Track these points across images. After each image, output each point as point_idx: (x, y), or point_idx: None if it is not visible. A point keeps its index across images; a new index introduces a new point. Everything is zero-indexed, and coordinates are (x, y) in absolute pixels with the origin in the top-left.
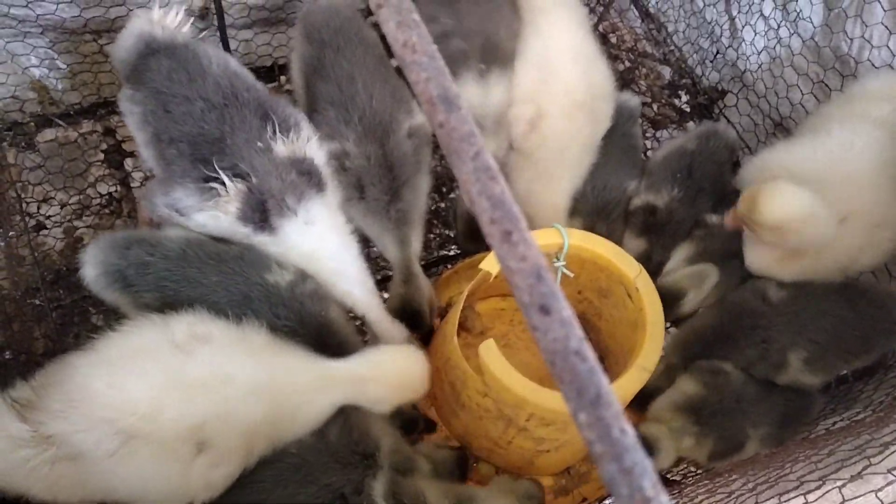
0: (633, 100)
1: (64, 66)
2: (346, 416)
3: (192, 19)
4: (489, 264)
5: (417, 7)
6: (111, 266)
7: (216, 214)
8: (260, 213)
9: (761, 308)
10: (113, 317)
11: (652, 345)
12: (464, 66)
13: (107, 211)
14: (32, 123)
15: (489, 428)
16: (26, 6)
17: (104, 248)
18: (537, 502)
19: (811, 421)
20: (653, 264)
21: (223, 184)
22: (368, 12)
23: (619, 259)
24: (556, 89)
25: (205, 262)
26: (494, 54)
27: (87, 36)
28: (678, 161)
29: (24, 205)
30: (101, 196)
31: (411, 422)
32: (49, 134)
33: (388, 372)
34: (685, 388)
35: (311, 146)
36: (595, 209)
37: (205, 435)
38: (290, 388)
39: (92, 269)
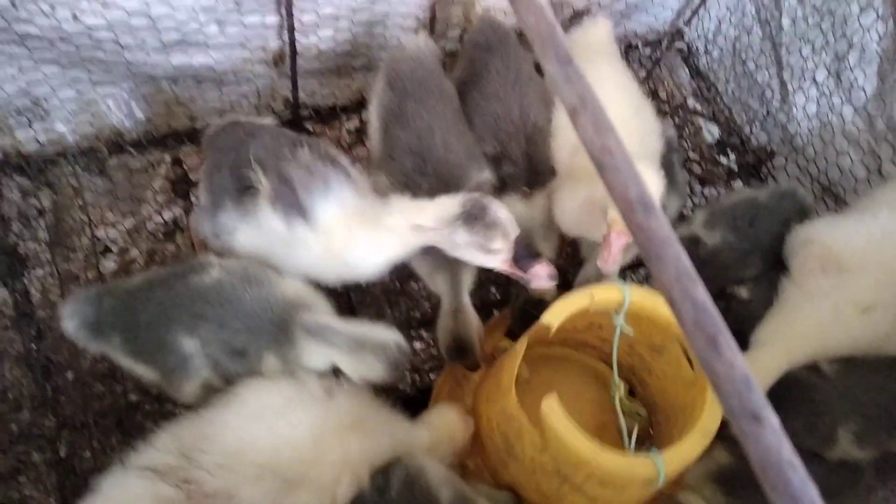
0: (669, 130)
1: (139, 114)
2: (407, 470)
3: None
4: (551, 317)
5: (472, 130)
6: (85, 316)
7: (255, 219)
8: (291, 195)
9: (811, 380)
10: None
11: (714, 407)
12: (512, 187)
13: (163, 236)
14: (107, 150)
15: (542, 482)
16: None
17: (79, 302)
18: None
19: (857, 496)
20: None
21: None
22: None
23: None
24: None
25: (140, 289)
26: (537, 176)
27: (163, 83)
28: (745, 209)
29: (92, 228)
30: (166, 224)
31: None
32: (120, 160)
33: (441, 431)
34: (718, 458)
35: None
36: None
37: (355, 474)
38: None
39: (69, 322)
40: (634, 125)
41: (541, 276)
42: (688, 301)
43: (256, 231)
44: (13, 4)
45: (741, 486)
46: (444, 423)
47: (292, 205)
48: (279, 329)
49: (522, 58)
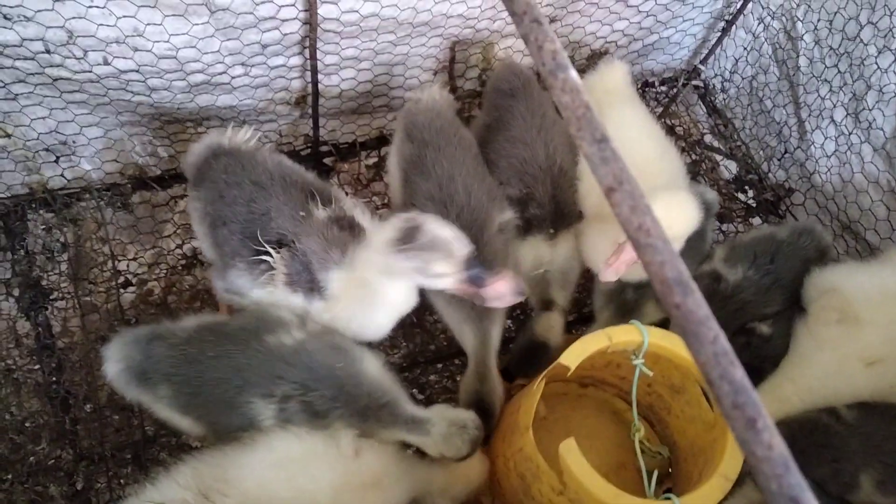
0: (709, 193)
1: (163, 153)
2: None
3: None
4: (569, 359)
5: (496, 174)
6: (131, 362)
7: (270, 289)
8: (306, 273)
9: (834, 426)
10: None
11: (734, 453)
12: (537, 228)
13: (182, 269)
14: (130, 186)
15: None
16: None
17: (125, 344)
18: None
19: None
20: None
21: (271, 256)
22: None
23: None
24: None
25: (205, 341)
26: (562, 219)
27: (187, 124)
28: (764, 245)
29: (114, 262)
30: (186, 257)
31: None
32: (142, 196)
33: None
34: (751, 497)
35: (354, 210)
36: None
37: None
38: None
39: (114, 366)
40: (661, 166)
41: (501, 294)
42: (726, 382)
43: (270, 295)
44: (47, 50)
45: None
46: (460, 463)
47: (308, 286)
48: (367, 408)
49: (546, 102)
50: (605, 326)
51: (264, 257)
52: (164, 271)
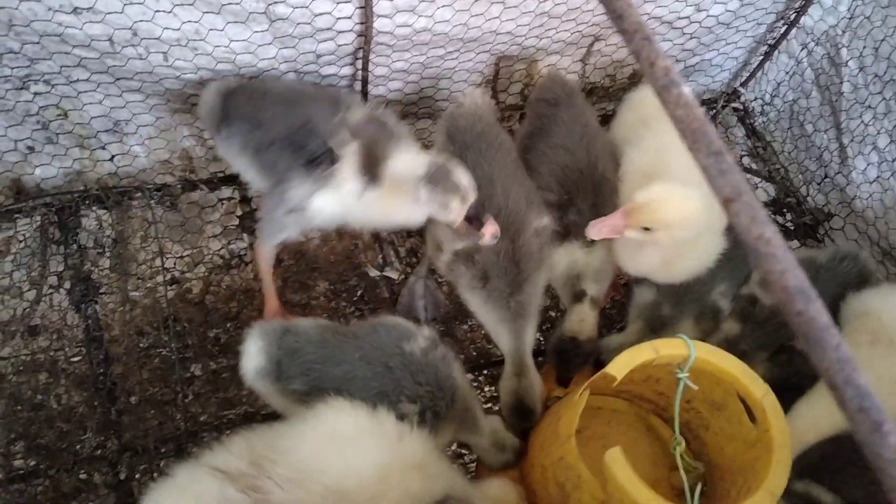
0: None
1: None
2: None
3: None
4: (615, 369)
5: (536, 179)
6: (272, 357)
7: (333, 184)
8: (370, 161)
9: None
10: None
11: (780, 469)
12: (575, 235)
13: (227, 268)
14: (179, 186)
15: None
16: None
17: (266, 340)
18: None
19: None
20: (737, 351)
21: (329, 159)
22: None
23: (746, 377)
24: (670, 178)
25: (343, 342)
26: None
27: None
28: (804, 269)
29: (163, 259)
30: (233, 257)
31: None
32: (191, 196)
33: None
34: None
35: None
36: (670, 292)
37: None
38: (438, 478)
39: (258, 360)
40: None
41: (488, 234)
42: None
43: (333, 195)
44: (111, 43)
45: None
46: (497, 495)
47: (371, 173)
48: (465, 411)
49: (589, 112)
50: (635, 338)
51: (319, 153)
52: (205, 271)
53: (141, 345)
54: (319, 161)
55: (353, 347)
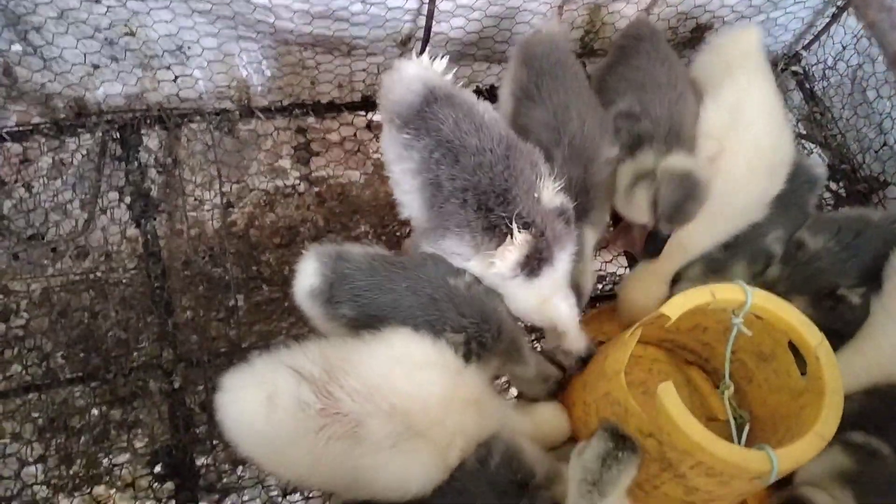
0: (819, 168)
1: (268, 72)
2: (507, 445)
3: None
4: (670, 309)
5: (613, 94)
6: (326, 278)
7: (493, 263)
8: (538, 261)
9: None
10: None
11: (832, 414)
12: (647, 143)
13: (283, 198)
14: (238, 113)
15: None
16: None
17: (322, 262)
18: None
19: None
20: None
21: (508, 232)
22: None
23: (802, 325)
24: (744, 135)
25: (392, 272)
26: (676, 140)
27: (294, 47)
28: (853, 223)
29: (221, 183)
30: (287, 186)
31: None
32: (249, 124)
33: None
34: (839, 461)
35: (560, 194)
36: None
37: (465, 445)
38: (492, 417)
39: (314, 279)
40: (774, 141)
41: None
42: None
43: (481, 267)
44: None
45: (865, 494)
46: (548, 419)
47: (535, 271)
48: (512, 343)
49: (672, 52)
50: (693, 284)
51: (499, 225)
52: (266, 199)
53: (196, 263)
54: (494, 234)
55: (401, 277)
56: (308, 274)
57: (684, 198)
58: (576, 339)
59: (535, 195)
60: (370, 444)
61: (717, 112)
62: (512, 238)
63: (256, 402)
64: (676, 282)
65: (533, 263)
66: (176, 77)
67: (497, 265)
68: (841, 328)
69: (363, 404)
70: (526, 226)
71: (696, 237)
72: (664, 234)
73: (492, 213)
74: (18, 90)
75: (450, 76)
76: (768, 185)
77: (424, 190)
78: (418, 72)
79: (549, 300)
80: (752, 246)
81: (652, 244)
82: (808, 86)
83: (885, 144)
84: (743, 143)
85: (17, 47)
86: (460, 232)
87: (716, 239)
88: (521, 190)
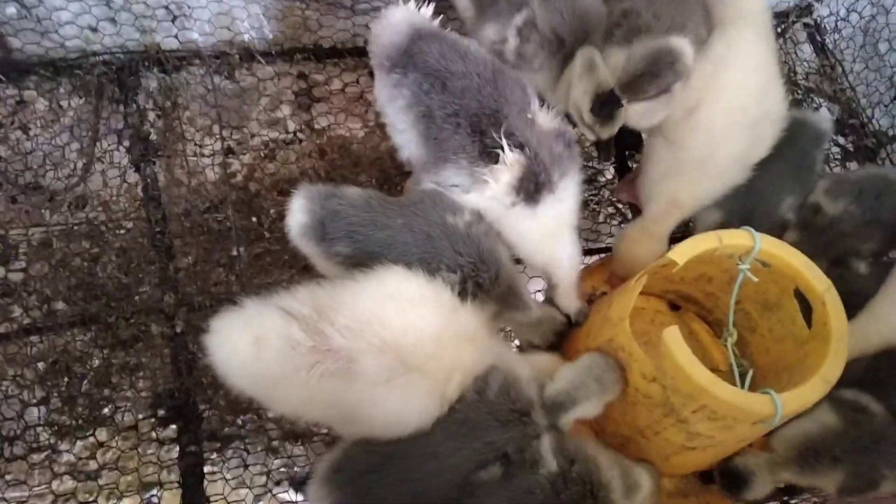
0: (825, 122)
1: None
2: (504, 376)
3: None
4: (677, 255)
5: None
6: (315, 215)
7: (488, 185)
8: (534, 185)
9: None
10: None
11: (837, 359)
12: (646, 33)
13: (284, 144)
14: (238, 56)
15: (640, 415)
16: None
17: (309, 198)
18: (657, 484)
19: None
20: None
21: (496, 155)
22: None
23: (809, 270)
24: (725, 87)
25: (388, 208)
26: (678, 31)
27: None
28: (871, 183)
29: (221, 128)
30: (287, 133)
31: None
32: (249, 68)
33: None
34: (824, 420)
35: (558, 118)
36: (738, 210)
37: (464, 379)
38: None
39: (301, 216)
40: (762, 98)
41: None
42: None
43: (479, 196)
44: None
45: (844, 452)
46: (546, 366)
47: (532, 195)
48: (509, 288)
49: None
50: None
51: (494, 148)
52: (267, 145)
53: (197, 211)
54: (490, 159)
55: (397, 214)
56: (296, 211)
57: (646, 69)
58: (567, 296)
59: (529, 116)
60: (364, 380)
61: (701, 65)
62: (504, 158)
63: (245, 342)
64: None
65: (529, 187)
66: (174, 17)
67: (491, 187)
68: (848, 298)
69: (354, 341)
70: (519, 146)
71: (683, 196)
72: (617, 99)
73: (486, 136)
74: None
75: (436, 21)
76: (751, 143)
77: (418, 123)
78: (405, 16)
79: (554, 239)
80: (766, 218)
81: (601, 102)
82: (819, 38)
83: (895, 98)
84: (722, 97)
85: (10, 10)
86: (457, 159)
87: (705, 197)
88: (512, 111)
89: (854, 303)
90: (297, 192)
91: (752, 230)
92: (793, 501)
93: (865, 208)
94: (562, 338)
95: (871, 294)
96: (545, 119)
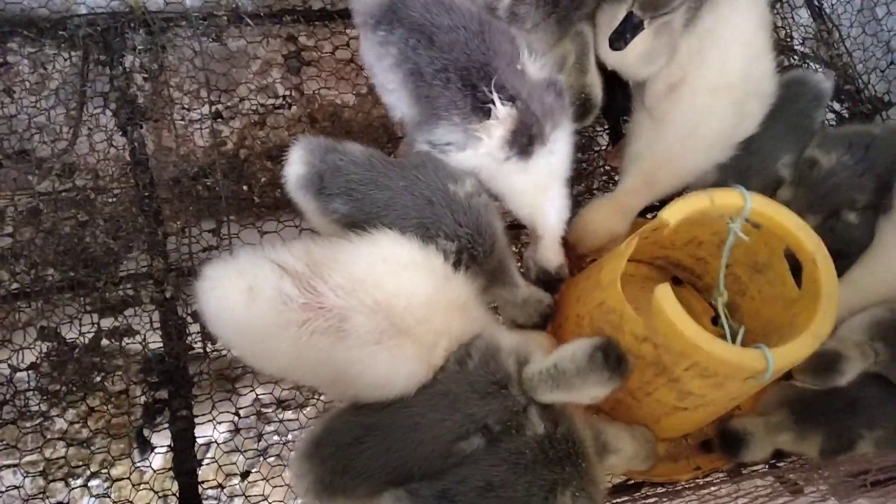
0: (825, 82)
1: None
2: (486, 345)
3: None
4: (669, 214)
5: None
6: (313, 167)
7: (482, 142)
8: (527, 137)
9: None
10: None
11: (826, 316)
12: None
13: (273, 108)
14: (226, 18)
15: (632, 376)
16: None
17: (309, 150)
18: (652, 448)
19: None
20: None
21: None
22: None
23: (800, 229)
24: (710, 62)
25: (389, 169)
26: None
27: None
28: (859, 137)
29: (209, 91)
30: (278, 97)
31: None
32: (237, 30)
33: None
34: (877, 313)
35: (547, 67)
36: (733, 167)
37: (451, 346)
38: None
39: (299, 167)
40: (749, 69)
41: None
42: None
43: (474, 153)
44: None
45: (819, 414)
46: (534, 342)
47: (526, 148)
48: (500, 263)
49: None
50: None
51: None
52: (255, 108)
53: (187, 174)
54: (482, 113)
55: (399, 176)
56: (294, 162)
57: None
58: (549, 250)
59: (519, 68)
60: (355, 339)
61: (686, 40)
62: (496, 112)
63: (237, 291)
64: None
65: (522, 140)
66: None
67: (484, 142)
68: (840, 248)
69: (347, 299)
70: (510, 99)
71: (661, 173)
72: (636, 20)
73: (476, 90)
74: None
75: None
76: (735, 122)
77: (408, 81)
78: None
79: (544, 192)
80: (761, 176)
81: (619, 30)
82: (816, 3)
83: (892, 63)
84: (706, 74)
85: None
86: (449, 116)
87: (680, 178)
88: (502, 63)
89: (848, 252)
90: (297, 142)
91: (743, 189)
92: (780, 464)
93: (858, 158)
94: (546, 320)
95: (862, 242)
96: (535, 69)
